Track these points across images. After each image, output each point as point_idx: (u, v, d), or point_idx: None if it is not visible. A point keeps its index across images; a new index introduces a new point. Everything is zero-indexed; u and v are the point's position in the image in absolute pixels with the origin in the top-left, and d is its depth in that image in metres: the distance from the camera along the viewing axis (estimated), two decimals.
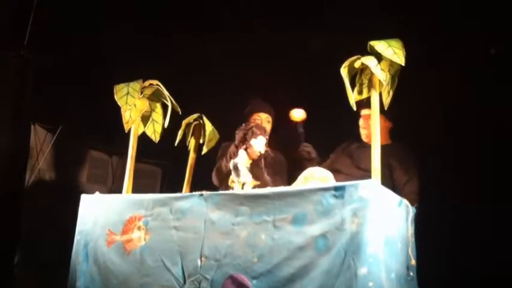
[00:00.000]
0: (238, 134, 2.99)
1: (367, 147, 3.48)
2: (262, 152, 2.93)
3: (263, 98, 3.93)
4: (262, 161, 3.09)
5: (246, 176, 2.80)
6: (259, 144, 2.92)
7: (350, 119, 3.51)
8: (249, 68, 4.44)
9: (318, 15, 4.29)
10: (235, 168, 2.81)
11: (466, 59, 3.71)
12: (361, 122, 3.53)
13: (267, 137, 2.98)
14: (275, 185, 2.87)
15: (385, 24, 3.62)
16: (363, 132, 3.53)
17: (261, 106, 3.83)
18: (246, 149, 2.90)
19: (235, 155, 3.13)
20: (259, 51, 4.53)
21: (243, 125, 3.04)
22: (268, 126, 3.77)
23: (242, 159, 2.85)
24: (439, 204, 3.46)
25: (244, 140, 2.93)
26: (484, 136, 3.63)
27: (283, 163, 3.80)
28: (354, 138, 3.66)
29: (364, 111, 3.45)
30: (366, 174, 2.51)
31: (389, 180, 3.34)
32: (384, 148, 3.30)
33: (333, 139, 3.90)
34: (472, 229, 3.54)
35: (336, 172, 3.07)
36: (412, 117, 3.73)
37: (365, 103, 3.03)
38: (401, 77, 2.52)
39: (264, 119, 3.77)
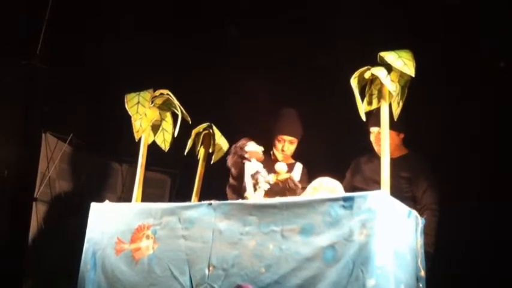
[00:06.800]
0: (232, 159, 2.96)
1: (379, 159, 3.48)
2: (261, 149, 2.92)
3: (293, 113, 3.77)
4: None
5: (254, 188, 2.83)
6: (251, 146, 2.90)
7: (358, 131, 3.50)
8: (260, 78, 4.45)
9: (328, 27, 4.30)
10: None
11: (478, 66, 3.71)
12: (372, 138, 3.49)
13: (249, 140, 2.96)
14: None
15: (395, 34, 3.63)
16: (377, 148, 3.47)
17: (286, 128, 3.70)
18: (249, 160, 2.89)
19: (239, 173, 3.08)
20: (269, 60, 4.55)
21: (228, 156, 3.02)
22: (291, 147, 3.70)
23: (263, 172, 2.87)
24: (457, 211, 3.47)
25: (242, 158, 2.91)
26: (502, 140, 3.62)
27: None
28: (363, 151, 3.64)
29: (372, 129, 3.43)
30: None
31: (409, 192, 3.33)
32: (399, 160, 3.31)
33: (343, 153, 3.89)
34: (489, 236, 3.53)
35: (357, 190, 3.06)
36: (425, 124, 3.72)
37: (372, 120, 3.01)
38: (414, 85, 2.51)
39: (287, 142, 3.68)
